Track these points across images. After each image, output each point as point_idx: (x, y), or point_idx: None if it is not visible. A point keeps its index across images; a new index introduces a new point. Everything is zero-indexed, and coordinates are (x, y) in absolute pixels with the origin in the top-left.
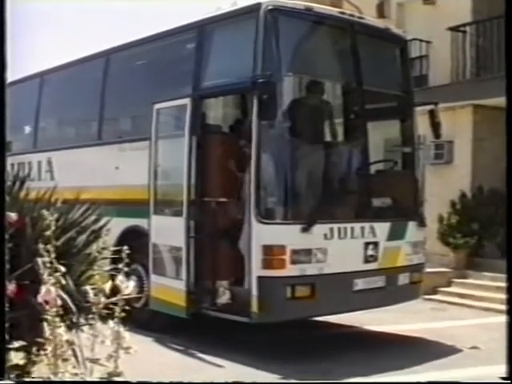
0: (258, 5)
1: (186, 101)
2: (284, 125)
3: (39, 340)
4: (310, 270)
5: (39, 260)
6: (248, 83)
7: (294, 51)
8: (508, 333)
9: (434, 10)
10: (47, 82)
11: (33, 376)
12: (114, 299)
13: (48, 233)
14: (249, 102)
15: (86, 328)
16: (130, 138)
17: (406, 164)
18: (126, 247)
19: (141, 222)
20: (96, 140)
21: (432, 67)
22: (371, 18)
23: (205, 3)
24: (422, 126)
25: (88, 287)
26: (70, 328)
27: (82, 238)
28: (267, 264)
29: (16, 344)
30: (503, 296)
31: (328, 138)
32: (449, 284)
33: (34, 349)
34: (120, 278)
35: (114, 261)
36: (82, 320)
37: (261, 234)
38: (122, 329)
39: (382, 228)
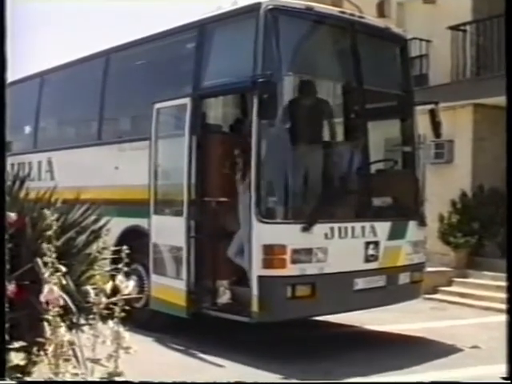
0: (259, 4)
1: (186, 100)
2: (284, 124)
3: (39, 340)
4: (311, 269)
5: (39, 260)
6: (248, 83)
7: (294, 51)
8: (508, 332)
9: (434, 9)
10: (47, 82)
11: (33, 376)
12: (114, 299)
13: (49, 233)
14: (249, 101)
15: (86, 328)
16: (129, 138)
17: (407, 163)
18: (126, 247)
19: (141, 222)
20: (96, 140)
21: (432, 66)
22: (371, 18)
23: (205, 2)
24: (423, 125)
25: (89, 287)
26: (70, 328)
27: (82, 238)
28: (268, 263)
29: (16, 344)
30: (504, 295)
31: (328, 137)
32: (449, 283)
33: (35, 349)
34: (120, 277)
35: (115, 261)
36: (82, 320)
37: (261, 234)
38: (121, 329)
39: (383, 227)
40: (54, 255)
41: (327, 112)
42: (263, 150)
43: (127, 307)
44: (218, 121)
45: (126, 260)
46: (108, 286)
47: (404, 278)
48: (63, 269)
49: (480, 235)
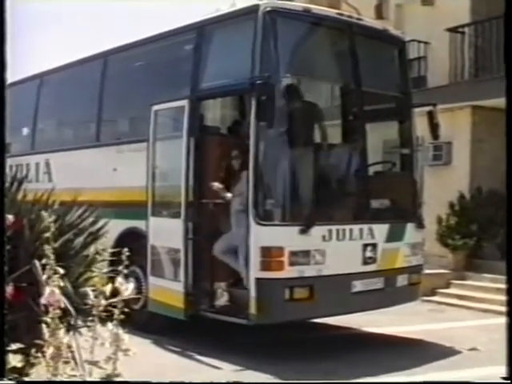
0: (257, 6)
1: (184, 102)
2: (282, 126)
3: (37, 342)
4: (309, 271)
5: (37, 262)
6: (246, 84)
7: (292, 53)
8: (508, 334)
9: (432, 11)
10: (45, 84)
11: (31, 377)
12: (112, 301)
13: (47, 234)
14: (247, 103)
15: (85, 330)
16: (127, 140)
17: (405, 165)
18: (125, 249)
19: (139, 224)
20: (94, 142)
21: (430, 68)
22: (369, 20)
23: (204, 4)
24: (421, 127)
25: (88, 289)
26: (68, 330)
27: (80, 239)
28: (266, 266)
29: (14, 346)
30: (503, 297)
31: (326, 139)
32: (448, 285)
33: (33, 351)
34: (119, 279)
35: (113, 263)
36: (79, 322)
37: (259, 236)
38: (121, 331)
39: (381, 230)
40: (51, 257)
41: (325, 114)
42: (261, 152)
43: (126, 309)
44: (216, 123)
45: (126, 262)
46: (108, 288)
47: (402, 280)
48: (61, 271)
49: (478, 237)
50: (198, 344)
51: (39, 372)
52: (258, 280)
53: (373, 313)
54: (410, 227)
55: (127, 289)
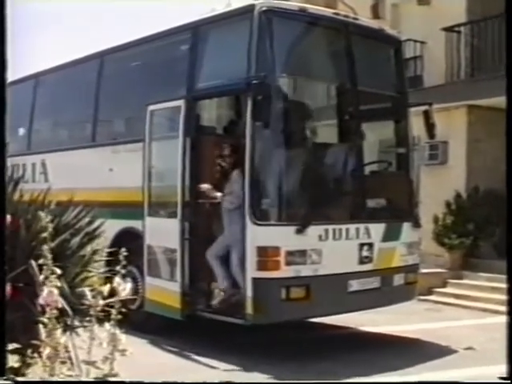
0: (252, 6)
1: (180, 102)
2: (278, 126)
3: (34, 342)
4: (305, 271)
5: (33, 262)
6: (242, 84)
7: (288, 52)
8: (508, 333)
9: (428, 11)
10: (41, 84)
11: (28, 378)
12: (110, 301)
13: (45, 234)
14: (243, 103)
15: (82, 330)
16: (123, 140)
17: (401, 165)
18: (123, 249)
19: (135, 224)
20: (90, 142)
21: (426, 68)
22: (365, 19)
23: (200, 4)
24: (417, 126)
25: (86, 289)
26: (64, 330)
27: (76, 240)
28: (262, 265)
29: (10, 346)
30: (499, 296)
31: (322, 139)
32: (444, 285)
33: (29, 351)
34: (117, 280)
35: (109, 263)
36: (76, 322)
37: (255, 236)
38: (117, 331)
39: (377, 229)
40: (50, 257)
41: (321, 113)
42: (257, 152)
43: (123, 309)
44: (212, 123)
45: (123, 262)
46: (106, 289)
47: (398, 280)
48: (58, 271)
49: (475, 236)
50: (195, 344)
51: (36, 372)
52: (254, 280)
53: (369, 312)
54: (406, 226)
55: (125, 289)
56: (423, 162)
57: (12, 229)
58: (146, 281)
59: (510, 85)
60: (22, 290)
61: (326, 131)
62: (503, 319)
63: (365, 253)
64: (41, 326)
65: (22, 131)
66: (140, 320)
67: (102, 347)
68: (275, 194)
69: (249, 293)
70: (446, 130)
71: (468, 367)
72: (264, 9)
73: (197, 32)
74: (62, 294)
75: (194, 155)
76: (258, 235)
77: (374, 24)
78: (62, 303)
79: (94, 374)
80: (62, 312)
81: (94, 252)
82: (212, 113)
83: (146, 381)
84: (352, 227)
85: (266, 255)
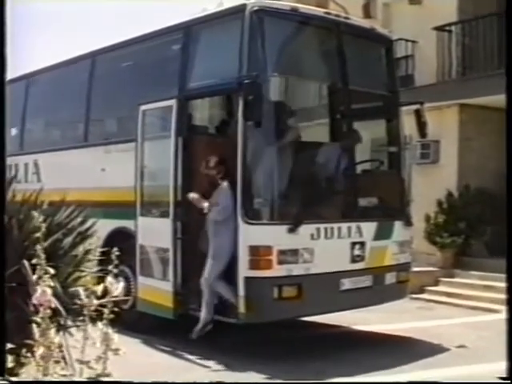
0: (244, 6)
1: (172, 102)
2: (270, 125)
3: (28, 342)
4: (297, 270)
5: (26, 262)
6: (234, 84)
7: (279, 52)
8: (508, 332)
9: (419, 10)
10: (33, 84)
11: (21, 378)
12: (103, 301)
13: (38, 234)
14: (235, 102)
15: (76, 330)
16: (115, 140)
17: (393, 164)
18: (115, 249)
19: (128, 224)
20: (82, 142)
21: (418, 67)
22: (357, 19)
23: (191, 4)
24: (408, 125)
25: (80, 289)
26: (57, 330)
27: (69, 239)
28: (254, 264)
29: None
30: (491, 295)
31: (314, 138)
32: (436, 283)
33: (23, 351)
34: (110, 279)
35: (102, 262)
36: (69, 322)
37: (247, 235)
38: (110, 330)
39: (369, 228)
40: (42, 257)
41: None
42: (249, 151)
43: (116, 309)
44: (204, 122)
45: (116, 262)
46: (99, 288)
47: (390, 278)
48: (52, 271)
49: (466, 235)
50: (188, 343)
51: (29, 372)
52: (246, 279)
53: (361, 311)
54: (398, 225)
55: (117, 288)
56: (415, 160)
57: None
58: (138, 280)
59: (510, 84)
60: (15, 290)
61: (318, 130)
62: (495, 317)
63: (357, 251)
64: (34, 325)
65: (14, 131)
66: (132, 319)
67: (95, 347)
68: (267, 194)
69: (241, 292)
70: (438, 128)
71: (460, 365)
72: (255, 8)
73: (188, 32)
74: (55, 294)
75: (186, 155)
76: (250, 234)
77: (365, 23)
78: (55, 303)
79: (87, 373)
80: (55, 312)
81: (87, 252)
82: (204, 112)
83: (139, 381)
84: (344, 226)
85: (258, 254)
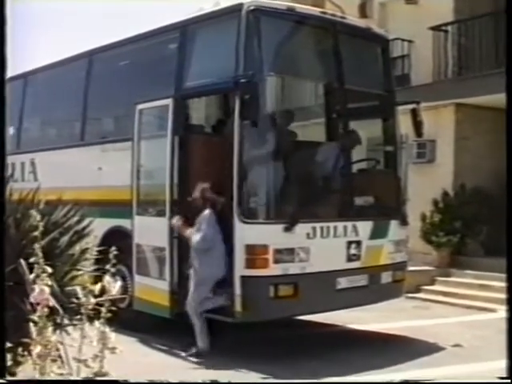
0: (240, 5)
1: (169, 101)
2: (266, 124)
3: (25, 341)
4: (293, 269)
5: (23, 261)
6: (230, 83)
7: (276, 51)
8: (508, 331)
9: (416, 10)
10: (30, 83)
11: (18, 376)
12: (100, 299)
13: (35, 233)
14: (231, 101)
15: (73, 329)
16: (112, 139)
17: (389, 163)
18: (113, 248)
19: (124, 223)
20: (79, 141)
21: (414, 66)
22: (353, 18)
23: (187, 3)
24: (405, 125)
25: (78, 288)
26: (54, 329)
27: (65, 238)
28: (250, 263)
29: None
30: (486, 294)
31: (310, 137)
32: (432, 282)
33: (20, 349)
34: (107, 278)
35: (98, 261)
36: (66, 321)
37: (244, 234)
38: (107, 329)
39: (365, 227)
40: (40, 256)
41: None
42: (245, 150)
43: (113, 308)
44: (200, 121)
45: (113, 261)
46: (97, 287)
47: (386, 277)
48: (49, 269)
49: (462, 234)
50: (184, 342)
51: (26, 370)
52: (242, 278)
53: (357, 310)
54: (393, 224)
55: (115, 287)
56: (411, 160)
57: None
58: (134, 279)
59: (510, 84)
60: (12, 288)
61: (314, 129)
62: (490, 316)
63: (352, 250)
64: (31, 324)
65: (11, 130)
66: (129, 318)
67: (92, 345)
68: (263, 193)
69: (237, 291)
70: (434, 128)
71: (456, 364)
72: (252, 8)
73: (185, 31)
74: (52, 293)
75: (183, 154)
76: (247, 233)
77: (361, 23)
78: (52, 302)
79: (84, 372)
80: (52, 310)
81: (83, 251)
82: (200, 112)
83: (135, 380)
84: (340, 225)
85: (255, 253)
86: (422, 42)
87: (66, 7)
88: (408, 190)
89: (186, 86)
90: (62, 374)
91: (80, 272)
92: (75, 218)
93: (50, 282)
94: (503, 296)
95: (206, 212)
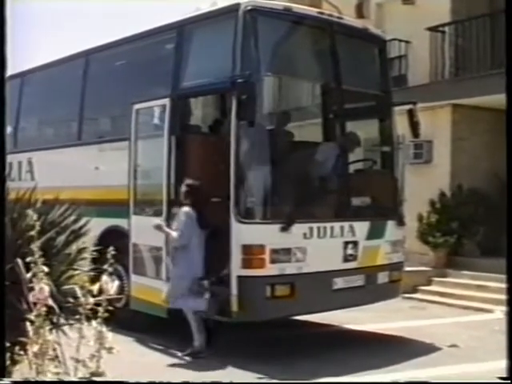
0: (237, 5)
1: (165, 101)
2: (263, 124)
3: (21, 340)
4: (290, 269)
5: (19, 261)
6: (227, 83)
7: (272, 51)
8: (508, 332)
9: (413, 10)
10: (27, 82)
11: (14, 376)
12: (97, 299)
13: (32, 233)
14: (228, 102)
15: (69, 328)
16: (109, 139)
17: (386, 163)
18: (111, 248)
19: (121, 222)
20: (76, 140)
21: (411, 67)
22: (350, 18)
23: (184, 3)
24: (401, 125)
25: (76, 288)
26: (51, 328)
27: (62, 238)
28: (247, 263)
29: None
30: (483, 294)
31: (307, 137)
32: (429, 283)
33: (16, 349)
34: (105, 278)
35: (95, 261)
36: (62, 320)
37: (240, 234)
38: (104, 329)
39: (362, 227)
40: (37, 255)
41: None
42: (242, 150)
43: (110, 307)
44: (197, 121)
45: (111, 261)
46: (95, 287)
47: (383, 278)
48: (46, 269)
49: (459, 235)
50: (181, 342)
51: (22, 369)
52: (239, 278)
53: (354, 310)
54: (390, 225)
55: (112, 287)
56: (408, 160)
57: None
58: (131, 279)
59: (510, 84)
60: (9, 288)
61: (311, 130)
62: (487, 317)
63: (349, 251)
64: (28, 323)
65: (8, 129)
66: (126, 318)
67: (89, 345)
68: (260, 193)
69: (234, 291)
70: (431, 129)
71: (452, 364)
72: (249, 8)
73: (182, 31)
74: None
75: (180, 154)
76: (243, 233)
77: (358, 23)
78: (51, 301)
79: (81, 371)
80: (49, 310)
81: (80, 250)
82: (197, 111)
83: (132, 380)
84: (336, 225)
85: (251, 253)
86: (419, 43)
87: (65, 7)
88: (405, 190)
89: (183, 85)
90: (58, 374)
91: (77, 272)
92: (72, 218)
93: (47, 282)
94: (500, 297)
95: (185, 209)
